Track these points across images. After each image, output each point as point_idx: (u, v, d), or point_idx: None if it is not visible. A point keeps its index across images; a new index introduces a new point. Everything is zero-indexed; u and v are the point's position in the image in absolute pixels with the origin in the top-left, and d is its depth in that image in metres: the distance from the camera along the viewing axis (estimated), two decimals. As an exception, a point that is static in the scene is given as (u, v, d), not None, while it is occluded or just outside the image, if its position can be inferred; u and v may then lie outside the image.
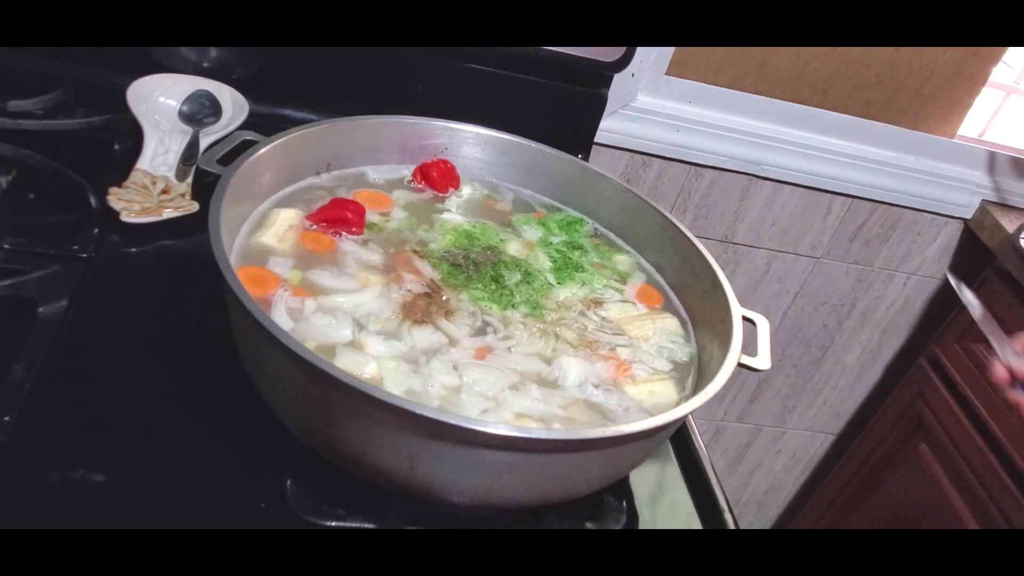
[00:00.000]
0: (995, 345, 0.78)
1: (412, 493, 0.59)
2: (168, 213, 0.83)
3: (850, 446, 1.76)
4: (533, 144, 0.90)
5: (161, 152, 0.91)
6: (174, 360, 0.71)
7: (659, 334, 0.75)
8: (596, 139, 1.25)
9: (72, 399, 0.65)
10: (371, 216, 0.80)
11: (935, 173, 1.44)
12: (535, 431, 0.54)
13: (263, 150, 0.73)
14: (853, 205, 1.46)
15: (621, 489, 0.70)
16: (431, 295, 0.71)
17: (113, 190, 0.83)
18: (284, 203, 0.78)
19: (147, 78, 0.97)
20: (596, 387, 0.67)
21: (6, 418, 0.60)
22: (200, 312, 0.74)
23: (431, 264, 0.75)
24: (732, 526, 0.71)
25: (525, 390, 0.64)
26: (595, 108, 1.17)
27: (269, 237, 0.72)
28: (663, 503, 0.74)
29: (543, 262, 0.81)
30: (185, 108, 0.98)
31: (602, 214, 0.90)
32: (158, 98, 0.97)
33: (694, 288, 0.79)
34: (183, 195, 0.86)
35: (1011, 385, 0.77)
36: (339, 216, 0.76)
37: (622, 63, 1.10)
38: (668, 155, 1.35)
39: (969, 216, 1.50)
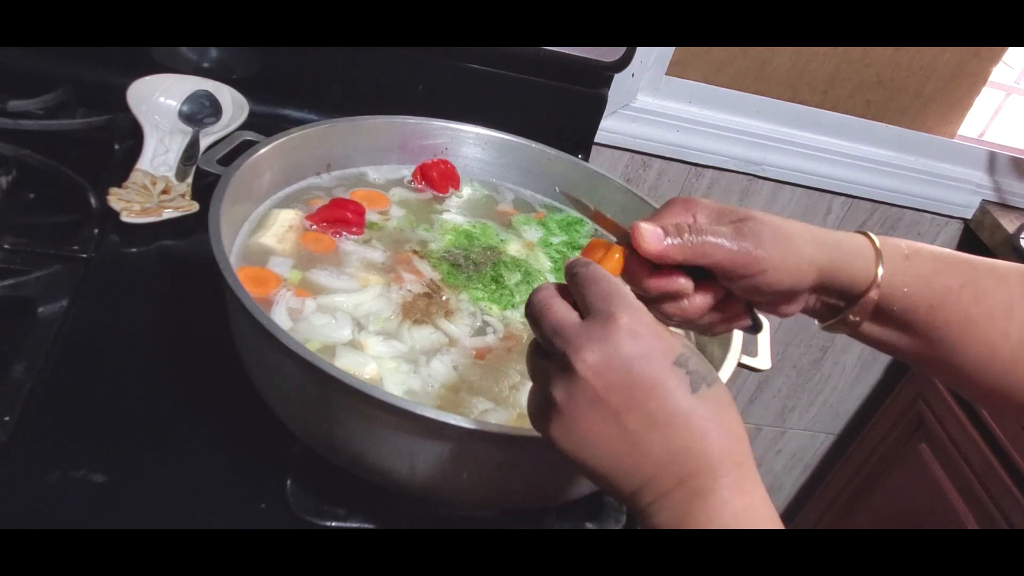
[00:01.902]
0: None
1: (412, 493, 0.59)
2: (168, 213, 0.83)
3: (850, 446, 1.75)
4: (533, 144, 0.90)
5: (161, 152, 0.91)
6: (174, 360, 0.71)
7: (659, 334, 0.75)
8: (596, 139, 1.25)
9: (72, 399, 0.65)
10: (371, 216, 0.80)
11: (935, 173, 1.44)
12: (535, 432, 0.54)
13: (263, 150, 0.73)
14: (853, 205, 1.46)
15: (621, 489, 0.70)
16: (431, 295, 0.71)
17: (113, 190, 0.83)
18: (284, 203, 0.78)
19: (147, 78, 0.97)
20: (596, 387, 0.67)
21: (6, 418, 0.60)
22: (200, 312, 0.73)
23: (431, 264, 0.75)
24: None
25: (525, 390, 0.64)
26: (595, 108, 1.17)
27: (269, 237, 0.72)
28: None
29: (543, 262, 0.81)
30: (185, 108, 0.98)
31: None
32: (158, 98, 0.97)
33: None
34: (183, 195, 0.86)
35: None
36: (339, 216, 0.76)
37: (622, 63, 1.10)
38: (668, 155, 1.34)
39: (969, 216, 1.50)
